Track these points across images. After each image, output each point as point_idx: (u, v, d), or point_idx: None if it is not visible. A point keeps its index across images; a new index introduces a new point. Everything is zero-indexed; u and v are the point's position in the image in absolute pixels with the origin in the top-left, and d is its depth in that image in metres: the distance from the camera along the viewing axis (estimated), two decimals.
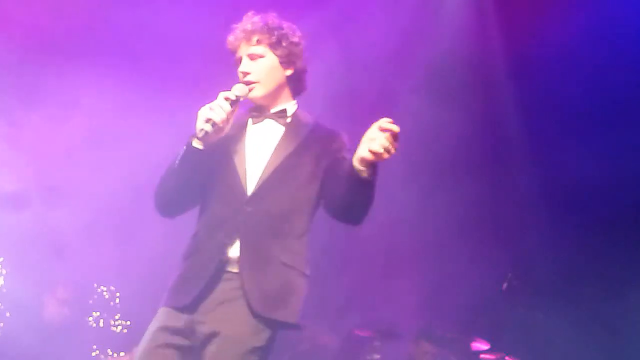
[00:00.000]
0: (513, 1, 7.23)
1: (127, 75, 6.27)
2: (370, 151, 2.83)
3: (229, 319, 3.07)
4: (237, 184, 3.19)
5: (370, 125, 2.88)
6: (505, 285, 6.64)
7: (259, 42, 3.29)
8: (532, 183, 7.39)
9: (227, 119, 3.14)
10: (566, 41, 6.83)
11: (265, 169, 3.21)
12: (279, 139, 3.28)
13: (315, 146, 3.28)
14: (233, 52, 3.35)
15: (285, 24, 3.36)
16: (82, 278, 6.58)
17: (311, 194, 3.23)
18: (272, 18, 3.35)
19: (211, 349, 3.06)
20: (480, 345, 6.66)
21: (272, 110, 3.33)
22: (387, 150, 2.83)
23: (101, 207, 6.36)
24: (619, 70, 6.73)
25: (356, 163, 2.90)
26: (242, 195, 3.17)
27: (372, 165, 2.90)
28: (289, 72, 3.34)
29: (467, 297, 7.12)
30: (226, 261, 3.13)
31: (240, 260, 3.11)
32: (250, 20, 3.32)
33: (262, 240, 3.13)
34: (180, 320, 3.11)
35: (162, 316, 3.15)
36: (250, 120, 3.33)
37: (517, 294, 6.66)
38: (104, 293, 6.80)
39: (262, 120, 3.32)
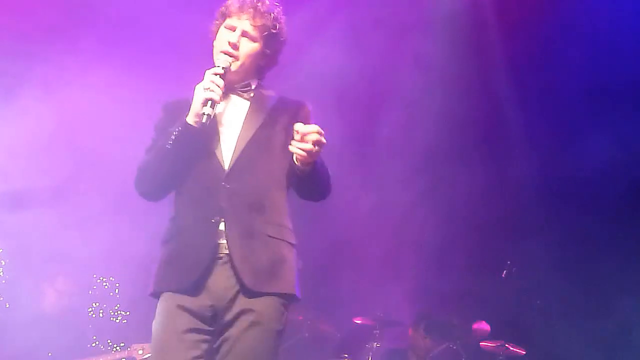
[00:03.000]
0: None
1: (116, 67, 6.24)
2: (299, 156, 3.03)
3: (252, 305, 3.07)
4: (213, 162, 3.18)
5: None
6: (505, 272, 6.64)
7: (260, 27, 3.30)
8: (531, 175, 7.40)
9: (222, 95, 3.17)
10: (566, 35, 6.83)
11: (237, 143, 3.21)
12: (246, 112, 3.29)
13: (284, 117, 3.31)
14: (228, 14, 3.33)
15: (283, 20, 3.38)
16: (82, 269, 6.57)
17: (286, 165, 3.24)
18: (278, 10, 3.37)
19: (240, 337, 3.06)
20: (481, 326, 6.66)
21: (237, 86, 3.33)
22: (312, 150, 3.00)
23: (99, 198, 6.35)
24: (622, 63, 6.72)
25: (296, 164, 3.08)
26: (220, 173, 3.17)
27: (309, 162, 3.07)
28: (263, 62, 3.38)
29: (467, 284, 7.14)
30: (218, 242, 3.12)
31: (227, 239, 3.10)
32: (263, 2, 3.33)
33: (245, 216, 3.13)
34: (196, 304, 3.08)
35: (172, 302, 3.10)
36: None
37: (516, 281, 6.67)
38: (104, 284, 6.79)
39: (228, 97, 3.31)
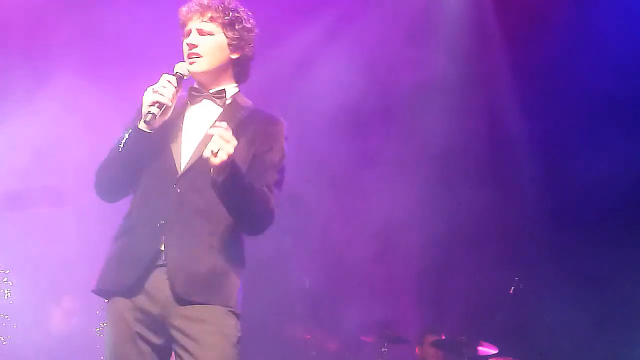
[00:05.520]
0: (514, 7, 7.22)
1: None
2: (209, 158, 2.83)
3: (204, 311, 2.99)
4: (169, 165, 3.11)
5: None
6: (512, 289, 6.60)
7: (211, 19, 3.23)
8: (538, 183, 7.37)
9: (172, 99, 3.08)
10: (571, 44, 6.81)
11: (197, 148, 3.10)
12: (215, 119, 3.17)
13: (250, 130, 3.19)
14: (183, 23, 3.28)
15: (242, 9, 3.30)
16: (88, 288, 6.58)
17: None
18: (229, 1, 3.28)
19: (194, 344, 2.97)
20: (487, 349, 6.64)
21: (211, 91, 3.25)
22: (217, 152, 2.80)
23: (104, 216, 6.34)
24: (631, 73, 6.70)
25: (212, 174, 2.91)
26: (173, 175, 3.09)
27: (222, 169, 2.86)
28: (234, 55, 3.27)
29: (474, 301, 7.11)
30: (160, 249, 3.03)
31: (165, 242, 3.02)
32: None
33: (190, 223, 3.04)
34: (146, 314, 3.02)
35: (118, 310, 3.05)
36: (188, 102, 3.26)
37: (524, 298, 6.63)
38: None
39: (200, 101, 3.25)
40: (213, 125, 2.92)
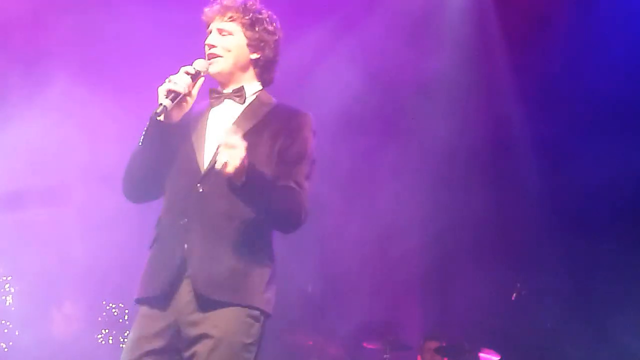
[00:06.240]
0: (516, 11, 7.25)
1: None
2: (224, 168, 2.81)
3: (216, 317, 2.97)
4: (192, 165, 3.10)
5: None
6: (514, 295, 6.60)
7: (231, 19, 3.23)
8: (540, 190, 7.38)
9: (189, 93, 3.08)
10: (573, 48, 6.84)
11: (219, 147, 3.05)
12: (237, 117, 3.18)
13: (275, 125, 3.16)
14: (206, 23, 3.30)
15: (265, 10, 3.30)
16: (90, 295, 6.58)
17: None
18: (252, 1, 3.29)
19: (202, 350, 2.96)
20: (489, 356, 6.63)
21: (231, 91, 3.24)
22: (229, 163, 2.78)
23: (105, 223, 6.34)
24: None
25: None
26: (196, 175, 3.08)
27: (238, 175, 2.84)
28: (254, 56, 3.25)
29: (476, 307, 7.11)
30: (182, 251, 3.00)
31: (188, 241, 3.01)
32: None
33: (213, 222, 3.02)
34: (161, 320, 3.01)
35: (142, 320, 3.06)
36: (211, 103, 3.26)
37: (526, 305, 6.63)
38: (113, 310, 6.79)
39: (222, 102, 3.25)
40: (229, 131, 2.89)
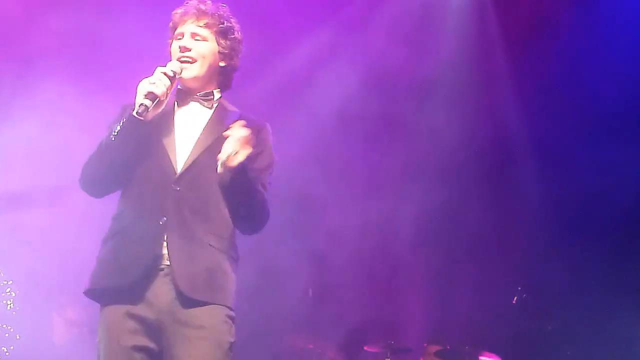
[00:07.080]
0: (516, 11, 7.24)
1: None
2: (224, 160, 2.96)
3: (202, 316, 3.02)
4: (166, 164, 3.16)
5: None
6: (515, 298, 6.60)
7: (207, 25, 3.30)
8: (541, 194, 7.37)
9: (167, 94, 3.13)
10: (574, 50, 6.83)
11: (194, 149, 3.18)
12: (207, 120, 3.28)
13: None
14: (175, 25, 3.34)
15: (233, 19, 3.38)
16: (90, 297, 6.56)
17: None
18: (224, 9, 3.37)
19: (192, 352, 2.99)
20: (490, 359, 6.62)
21: (199, 94, 3.32)
22: (236, 154, 2.94)
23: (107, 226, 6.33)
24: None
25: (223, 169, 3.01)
26: (171, 175, 3.14)
27: (238, 169, 2.99)
28: (222, 63, 3.35)
29: (477, 310, 7.10)
30: (162, 252, 3.06)
31: (167, 240, 3.06)
32: (204, 2, 3.34)
33: (189, 222, 3.10)
34: (141, 317, 3.04)
35: (115, 316, 3.07)
36: (176, 103, 3.32)
37: (527, 307, 6.63)
38: None
39: (188, 103, 3.32)
40: (225, 129, 3.04)
